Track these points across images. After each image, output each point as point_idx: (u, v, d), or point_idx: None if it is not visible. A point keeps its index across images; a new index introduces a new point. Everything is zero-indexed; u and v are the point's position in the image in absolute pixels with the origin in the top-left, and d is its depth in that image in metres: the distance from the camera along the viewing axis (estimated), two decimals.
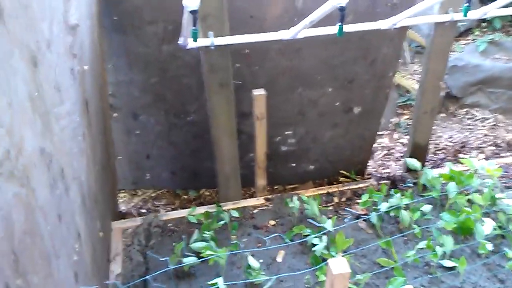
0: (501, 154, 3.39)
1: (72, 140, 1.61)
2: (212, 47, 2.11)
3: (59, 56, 1.47)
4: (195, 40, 1.59)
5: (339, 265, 1.44)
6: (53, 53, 1.41)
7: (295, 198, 2.47)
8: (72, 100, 1.63)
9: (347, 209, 2.56)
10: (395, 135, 3.70)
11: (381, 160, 3.42)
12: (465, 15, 1.93)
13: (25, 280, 1.03)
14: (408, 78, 3.89)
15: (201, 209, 2.49)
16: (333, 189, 2.75)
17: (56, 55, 1.45)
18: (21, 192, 1.06)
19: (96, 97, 2.04)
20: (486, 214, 2.41)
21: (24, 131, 1.10)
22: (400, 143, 3.59)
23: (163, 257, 1.99)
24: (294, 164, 3.05)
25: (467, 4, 1.85)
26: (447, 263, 2.14)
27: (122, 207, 2.85)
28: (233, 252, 2.15)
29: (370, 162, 3.36)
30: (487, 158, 3.33)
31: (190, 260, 2.06)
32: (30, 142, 1.14)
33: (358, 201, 2.60)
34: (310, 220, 2.40)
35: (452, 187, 2.50)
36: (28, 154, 1.12)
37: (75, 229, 1.52)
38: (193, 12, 1.46)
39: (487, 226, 2.25)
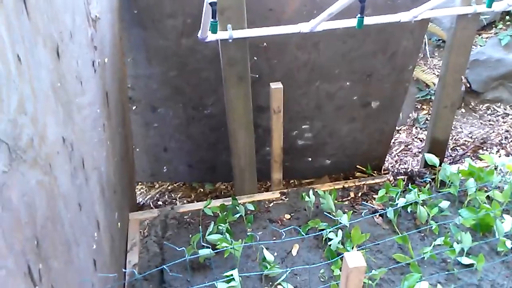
0: None
1: (93, 131, 1.64)
2: (230, 40, 2.12)
3: (81, 47, 1.50)
4: (214, 32, 1.60)
5: (355, 258, 1.44)
6: (75, 44, 1.43)
7: (310, 192, 2.46)
8: (93, 91, 1.66)
9: (364, 203, 2.54)
10: (413, 130, 3.65)
11: (398, 155, 3.38)
12: (489, 6, 1.89)
13: (47, 265, 1.06)
14: (428, 72, 3.83)
15: (217, 202, 2.51)
16: (349, 183, 2.73)
17: (78, 46, 1.47)
18: (44, 180, 1.09)
19: (115, 90, 2.07)
20: (506, 211, 2.36)
21: (47, 120, 1.13)
22: (418, 138, 3.54)
23: (179, 248, 2.02)
24: (310, 159, 3.04)
25: None
26: (465, 260, 2.11)
27: (140, 199, 2.90)
28: (248, 244, 2.16)
29: (387, 157, 3.33)
30: (508, 155, 3.26)
31: (206, 251, 2.08)
32: (52, 130, 1.17)
33: (375, 196, 2.58)
34: (326, 214, 2.40)
35: (471, 183, 2.46)
36: (51, 142, 1.15)
37: (94, 218, 1.56)
38: (212, 4, 1.47)
39: (507, 223, 2.21)
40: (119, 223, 2.03)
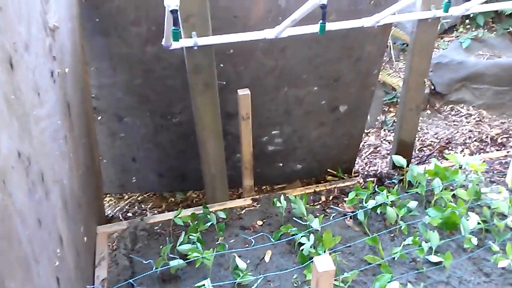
0: (486, 149, 3.43)
1: (53, 143, 1.58)
2: (195, 48, 2.10)
3: (37, 58, 1.45)
4: (176, 40, 1.58)
5: (324, 262, 1.44)
6: (31, 55, 1.39)
7: (282, 198, 2.47)
8: (53, 102, 1.61)
9: (333, 207, 2.57)
10: (382, 133, 3.72)
11: (368, 157, 3.44)
12: (446, 11, 1.96)
13: (2, 286, 1.01)
14: (394, 76, 3.92)
15: (188, 211, 2.47)
16: (320, 187, 2.75)
17: (35, 57, 1.42)
18: None
19: (78, 100, 2.01)
20: (471, 209, 2.43)
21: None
22: (387, 140, 3.61)
23: (146, 261, 1.97)
24: (281, 164, 3.05)
25: (448, 0, 1.87)
26: (433, 258, 2.16)
27: (108, 211, 2.83)
28: (220, 253, 2.13)
29: (357, 160, 3.38)
30: (472, 154, 3.37)
31: (177, 262, 2.04)
32: (6, 144, 1.12)
33: (346, 199, 2.60)
34: (296, 219, 2.40)
35: (437, 183, 2.52)
36: (4, 157, 1.10)
37: (56, 234, 1.50)
38: (173, 11, 1.45)
39: (472, 221, 2.27)
40: (85, 237, 1.97)
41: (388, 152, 3.44)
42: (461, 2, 4.06)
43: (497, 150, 3.39)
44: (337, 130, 2.97)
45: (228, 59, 2.46)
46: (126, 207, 2.88)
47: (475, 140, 3.54)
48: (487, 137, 3.57)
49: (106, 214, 2.77)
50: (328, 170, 3.16)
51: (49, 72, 1.57)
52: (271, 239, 2.29)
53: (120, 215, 2.80)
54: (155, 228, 2.41)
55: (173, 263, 2.04)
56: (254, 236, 2.31)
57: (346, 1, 2.39)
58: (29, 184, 1.26)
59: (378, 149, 3.53)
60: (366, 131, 3.71)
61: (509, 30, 4.18)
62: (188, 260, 2.05)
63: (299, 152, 3.02)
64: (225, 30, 2.24)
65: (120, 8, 2.20)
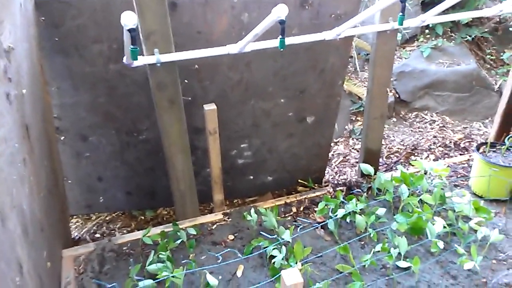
0: (450, 154, 3.54)
1: (10, 167, 1.53)
2: (159, 64, 2.09)
3: None
4: (134, 59, 1.57)
5: (292, 276, 1.44)
6: None
7: (252, 211, 2.46)
8: (9, 125, 1.56)
9: (300, 218, 2.58)
10: (350, 142, 3.78)
11: (337, 167, 3.48)
12: (400, 23, 2.02)
13: None
14: (359, 86, 4.01)
15: (157, 229, 2.43)
16: (291, 199, 2.76)
17: None
18: None
19: (38, 121, 1.96)
20: (437, 213, 2.49)
21: None
22: (355, 149, 3.68)
23: (111, 283, 1.92)
24: (252, 177, 3.05)
25: (402, 14, 1.94)
26: (402, 263, 2.19)
27: (75, 233, 2.75)
28: (190, 271, 2.10)
29: (328, 170, 3.42)
30: (437, 159, 3.47)
31: (146, 283, 2.00)
32: None
33: (316, 209, 2.63)
34: (263, 233, 2.40)
35: (403, 189, 2.58)
36: None
37: (15, 262, 1.44)
38: (131, 30, 1.44)
39: (438, 225, 2.33)
40: (48, 263, 1.90)
41: (357, 160, 3.50)
42: (419, 11, 4.23)
43: (460, 154, 3.50)
44: (306, 140, 3.00)
45: (193, 75, 2.46)
46: (94, 228, 2.80)
47: (439, 146, 3.64)
48: (450, 142, 3.69)
49: (72, 237, 2.68)
50: (299, 180, 3.18)
51: (4, 95, 1.52)
52: (240, 255, 2.27)
53: (87, 237, 2.72)
54: (124, 248, 2.36)
55: (142, 284, 1.99)
56: (225, 251, 2.29)
57: (308, 15, 2.43)
58: None
59: (347, 158, 3.59)
60: (334, 140, 3.77)
61: (466, 39, 4.36)
62: (157, 280, 2.01)
63: (269, 164, 3.03)
64: (188, 46, 2.24)
65: (80, 27, 2.17)
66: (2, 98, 1.52)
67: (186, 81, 2.43)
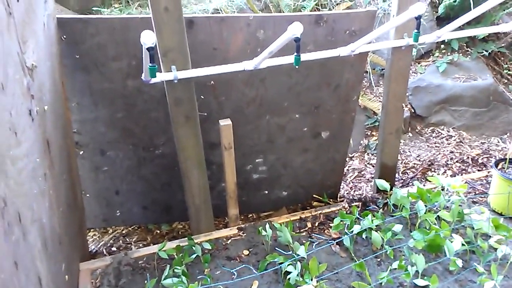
0: (468, 170, 3.48)
1: (32, 182, 1.57)
2: (176, 81, 2.14)
3: (14, 98, 1.46)
4: (153, 76, 1.60)
5: None
6: (7, 95, 1.39)
7: (267, 226, 2.46)
8: (31, 141, 1.61)
9: (315, 234, 2.56)
10: (366, 157, 3.76)
11: (352, 182, 3.46)
12: (416, 40, 2.03)
13: None
14: (374, 100, 4.00)
15: (173, 244, 2.44)
16: (306, 214, 2.75)
17: (11, 97, 1.43)
18: None
19: (58, 136, 2.01)
20: (455, 231, 2.45)
21: None
22: (371, 164, 3.65)
23: None
24: (266, 192, 3.05)
25: (417, 30, 1.95)
26: (420, 282, 2.15)
27: (92, 247, 2.78)
28: (205, 286, 2.10)
29: (342, 185, 3.40)
30: (454, 175, 3.42)
31: None
32: None
33: (331, 224, 2.61)
34: (278, 248, 2.39)
35: (420, 205, 2.54)
36: None
37: (35, 275, 1.47)
38: (149, 49, 1.48)
39: (456, 243, 2.28)
40: (67, 276, 1.92)
41: (372, 175, 3.47)
42: (434, 27, 4.22)
43: (478, 170, 3.45)
44: (321, 155, 3.00)
45: (209, 91, 2.49)
46: (111, 241, 2.83)
47: (456, 161, 3.59)
48: (468, 157, 3.64)
49: (89, 250, 2.71)
50: (314, 195, 3.17)
51: (27, 111, 1.57)
52: (255, 271, 2.26)
53: (104, 250, 2.74)
54: (140, 262, 2.37)
55: None
56: (240, 267, 2.28)
57: (323, 32, 2.46)
58: (5, 226, 1.25)
59: (362, 173, 3.56)
60: (350, 155, 3.75)
61: (482, 54, 4.33)
62: None
63: (284, 179, 3.03)
64: (205, 62, 2.29)
65: (100, 45, 2.23)
66: (25, 114, 1.57)
67: (202, 97, 2.47)
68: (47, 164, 1.77)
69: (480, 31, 2.63)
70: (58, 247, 1.84)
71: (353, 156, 3.75)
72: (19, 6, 1.60)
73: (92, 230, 2.92)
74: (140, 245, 2.80)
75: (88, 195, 2.75)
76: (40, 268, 1.54)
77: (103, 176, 2.71)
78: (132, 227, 2.97)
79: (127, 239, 2.86)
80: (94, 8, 4.12)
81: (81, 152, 2.57)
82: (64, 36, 2.18)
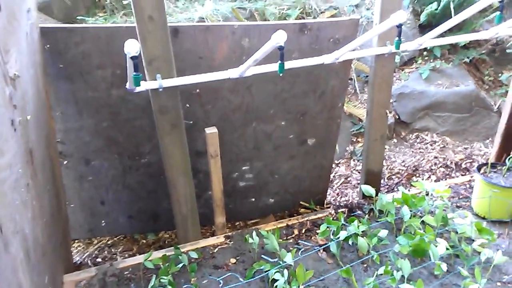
0: (451, 175, 3.54)
1: (14, 193, 1.55)
2: (161, 89, 2.13)
3: None
4: (137, 85, 1.60)
5: None
6: None
7: (254, 233, 2.46)
8: (14, 151, 1.58)
9: (302, 241, 2.57)
10: (352, 163, 3.79)
11: (339, 188, 3.48)
12: (397, 48, 2.06)
13: None
14: (359, 107, 4.04)
15: (159, 253, 2.43)
16: (292, 221, 2.76)
17: None
18: None
19: (42, 146, 1.99)
20: (439, 235, 2.48)
21: None
22: (357, 170, 3.68)
23: None
24: (253, 199, 3.05)
25: (398, 38, 1.98)
26: (406, 287, 2.16)
27: (77, 258, 2.73)
28: None
29: (329, 191, 3.42)
30: (438, 180, 3.47)
31: None
32: None
33: (318, 231, 2.62)
34: (265, 256, 2.39)
35: (405, 210, 2.58)
36: None
37: (17, 287, 1.44)
38: (133, 58, 1.48)
39: (441, 247, 2.31)
40: None
41: (358, 181, 3.50)
42: (417, 34, 4.30)
43: (461, 175, 3.50)
44: (307, 162, 3.02)
45: (195, 99, 2.50)
46: (96, 252, 2.79)
47: (440, 166, 3.65)
48: (451, 162, 3.70)
49: (74, 261, 2.67)
50: (301, 202, 3.18)
51: (9, 121, 1.55)
52: (241, 279, 2.25)
53: (89, 261, 2.70)
54: (125, 273, 2.34)
55: None
56: (226, 275, 2.27)
57: (307, 39, 2.49)
58: None
59: (348, 179, 3.59)
60: (336, 162, 3.78)
61: (464, 61, 4.42)
62: None
63: (271, 186, 3.03)
64: (190, 71, 2.29)
65: (84, 54, 2.22)
66: (7, 124, 1.55)
67: (187, 105, 2.47)
68: (30, 174, 1.75)
69: (461, 38, 2.69)
70: (41, 259, 1.81)
71: (339, 163, 3.78)
72: (1, 15, 1.58)
73: (76, 241, 2.88)
74: (126, 255, 2.77)
75: (72, 205, 2.71)
76: (23, 279, 1.51)
77: (87, 186, 2.68)
78: (118, 237, 2.93)
79: (112, 250, 2.82)
80: (78, 17, 4.09)
81: (65, 162, 2.54)
82: (48, 45, 2.17)
